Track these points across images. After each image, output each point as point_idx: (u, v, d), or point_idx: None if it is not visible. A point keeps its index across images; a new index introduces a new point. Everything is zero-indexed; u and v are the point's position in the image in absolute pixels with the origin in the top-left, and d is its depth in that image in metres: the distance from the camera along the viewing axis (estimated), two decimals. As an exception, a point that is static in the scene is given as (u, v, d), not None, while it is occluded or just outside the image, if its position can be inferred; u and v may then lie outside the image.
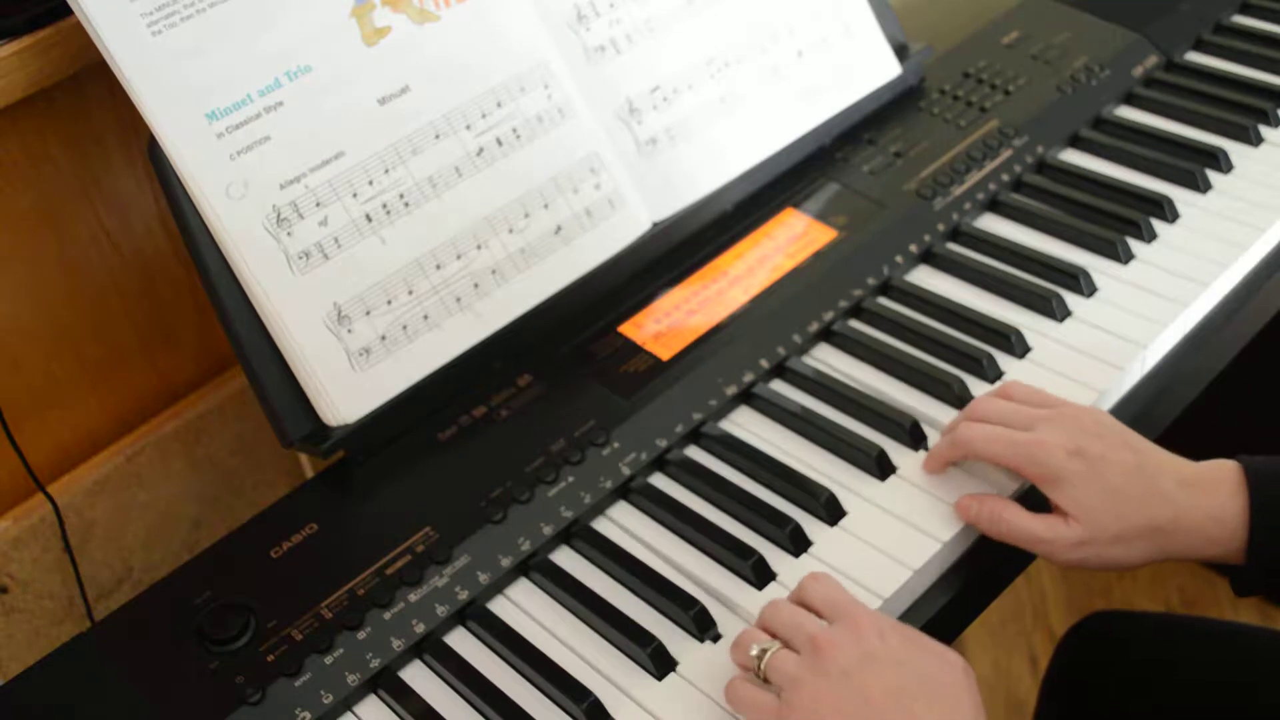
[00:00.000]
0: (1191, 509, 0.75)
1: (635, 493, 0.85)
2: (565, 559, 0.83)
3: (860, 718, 0.65)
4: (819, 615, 0.72)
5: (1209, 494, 0.76)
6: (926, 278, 1.00)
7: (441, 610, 0.78)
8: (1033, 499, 0.81)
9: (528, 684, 0.76)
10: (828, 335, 0.96)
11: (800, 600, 0.74)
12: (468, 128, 0.91)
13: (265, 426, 0.86)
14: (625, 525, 0.84)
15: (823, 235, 1.01)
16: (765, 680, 0.70)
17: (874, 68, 1.11)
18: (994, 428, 0.80)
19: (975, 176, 1.06)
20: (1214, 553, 0.76)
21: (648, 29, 1.00)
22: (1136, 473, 0.76)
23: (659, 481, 0.87)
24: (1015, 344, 0.92)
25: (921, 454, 0.85)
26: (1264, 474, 0.76)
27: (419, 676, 0.77)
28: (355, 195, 0.86)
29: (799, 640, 0.70)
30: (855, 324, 0.96)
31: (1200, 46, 1.21)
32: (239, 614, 0.77)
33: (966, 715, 0.66)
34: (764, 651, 0.70)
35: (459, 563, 0.80)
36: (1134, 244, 0.99)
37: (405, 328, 0.88)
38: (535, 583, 0.81)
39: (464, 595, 0.79)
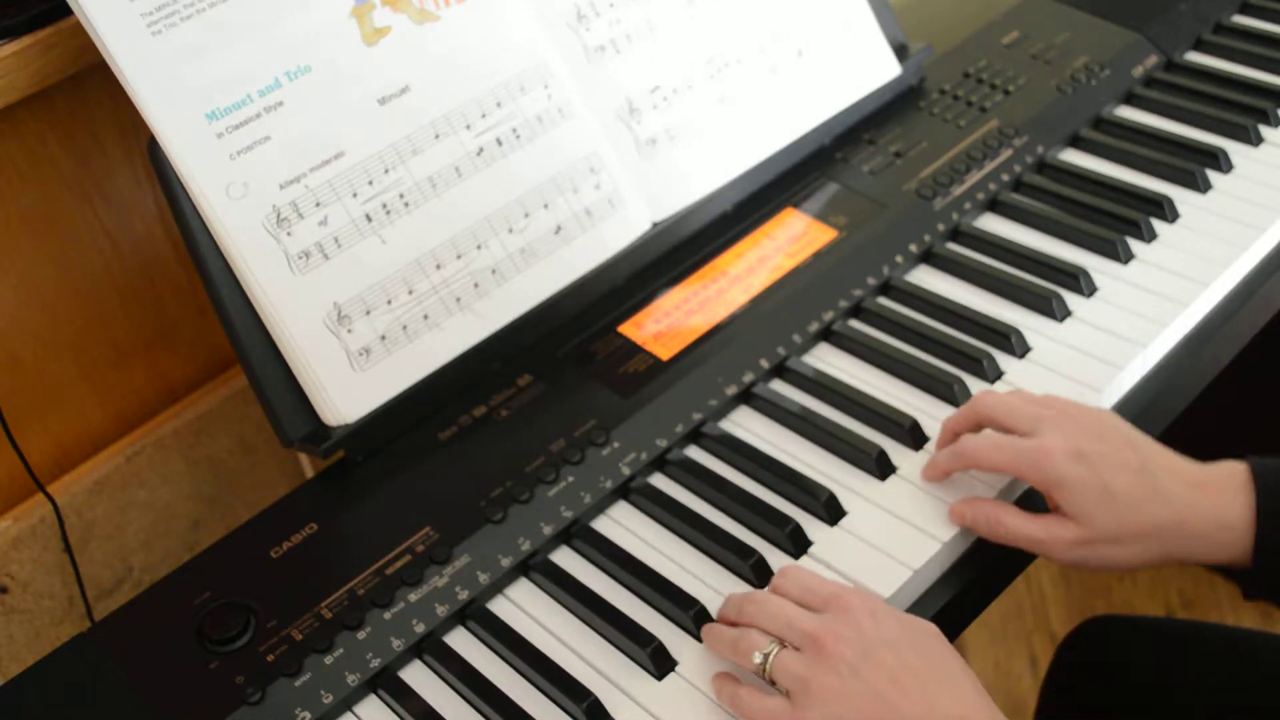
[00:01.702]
0: (1195, 511, 0.75)
1: (635, 493, 0.85)
2: (565, 559, 0.83)
3: (876, 709, 0.65)
4: (803, 606, 0.72)
5: (1214, 495, 0.75)
6: (926, 278, 1.00)
7: (441, 610, 0.78)
8: (1034, 498, 0.81)
9: (528, 684, 0.76)
10: (828, 335, 0.96)
11: (778, 594, 0.74)
12: (468, 127, 0.91)
13: (265, 426, 0.86)
14: (625, 525, 0.84)
15: (823, 235, 1.01)
16: (770, 682, 0.70)
17: (874, 67, 1.11)
18: (996, 437, 0.80)
19: (975, 176, 1.06)
20: (1218, 556, 0.76)
21: (648, 29, 1.00)
22: (1138, 474, 0.76)
23: (659, 481, 0.87)
24: (1015, 344, 0.92)
25: (922, 454, 0.85)
26: (1273, 475, 0.75)
27: (419, 676, 0.77)
28: (355, 195, 0.86)
29: (796, 638, 0.70)
30: (855, 324, 0.96)
31: (1200, 46, 1.21)
32: (239, 614, 0.77)
33: (960, 674, 0.67)
34: (767, 656, 0.70)
35: (459, 563, 0.80)
36: (1134, 244, 0.99)
37: (405, 328, 0.88)
38: (535, 583, 0.81)
39: (464, 595, 0.79)
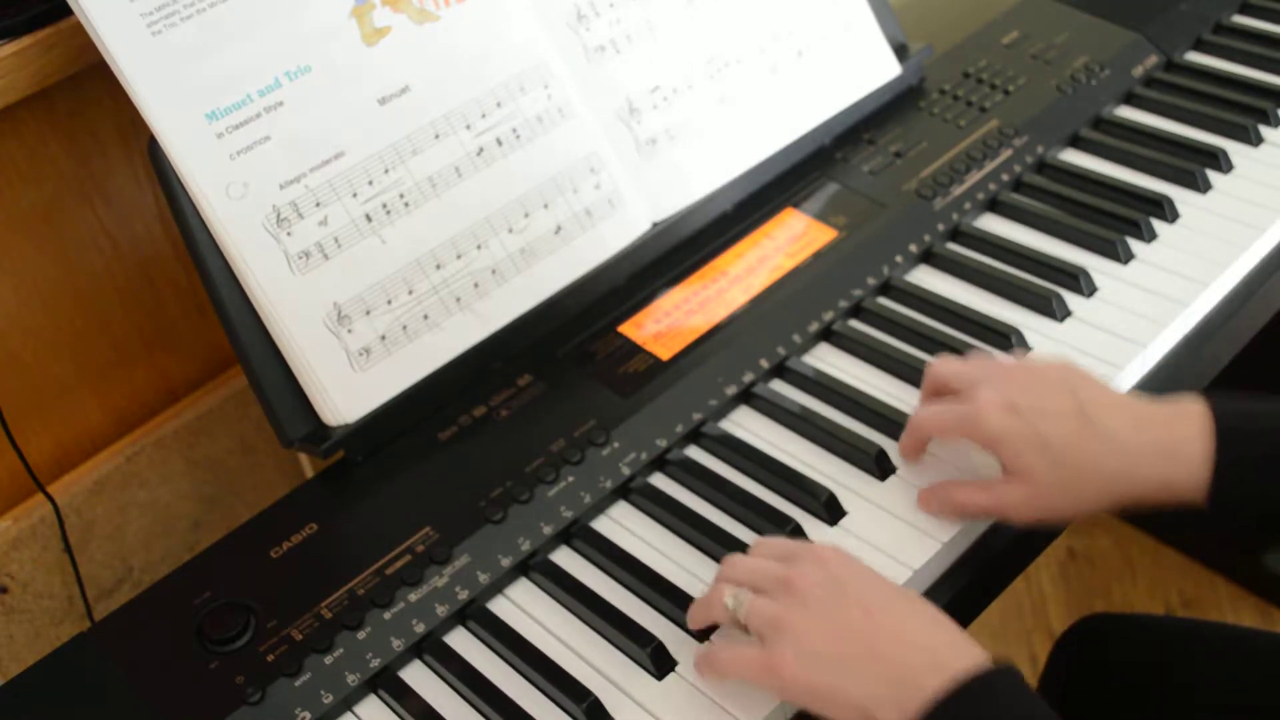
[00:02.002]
0: (1145, 450, 0.74)
1: (635, 493, 0.85)
2: (565, 559, 0.83)
3: (849, 637, 0.66)
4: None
5: (1167, 431, 0.74)
6: (926, 278, 1.00)
7: (441, 610, 0.78)
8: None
9: (528, 684, 0.76)
10: (828, 335, 0.96)
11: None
12: (467, 127, 0.91)
13: (265, 426, 0.86)
14: (625, 525, 0.84)
15: (823, 235, 1.01)
16: (744, 630, 0.70)
17: (874, 67, 1.11)
18: (939, 405, 0.80)
19: (975, 176, 1.06)
20: (1173, 495, 0.74)
21: (648, 29, 1.00)
22: (1075, 417, 0.75)
23: (659, 481, 0.87)
24: (1015, 344, 0.92)
25: (923, 455, 0.85)
26: (1231, 410, 0.75)
27: (419, 676, 0.77)
28: (355, 195, 0.86)
29: (769, 583, 0.70)
30: (855, 324, 0.96)
31: (1200, 46, 1.21)
32: (239, 614, 0.77)
33: (940, 614, 0.68)
34: (738, 600, 0.70)
35: (459, 563, 0.80)
36: (1134, 244, 0.99)
37: (405, 328, 0.88)
38: (535, 583, 0.81)
39: (464, 595, 0.79)
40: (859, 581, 0.69)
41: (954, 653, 0.65)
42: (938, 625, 0.67)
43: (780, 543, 0.75)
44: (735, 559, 0.74)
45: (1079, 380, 0.78)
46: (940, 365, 0.83)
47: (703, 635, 0.76)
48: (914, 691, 0.63)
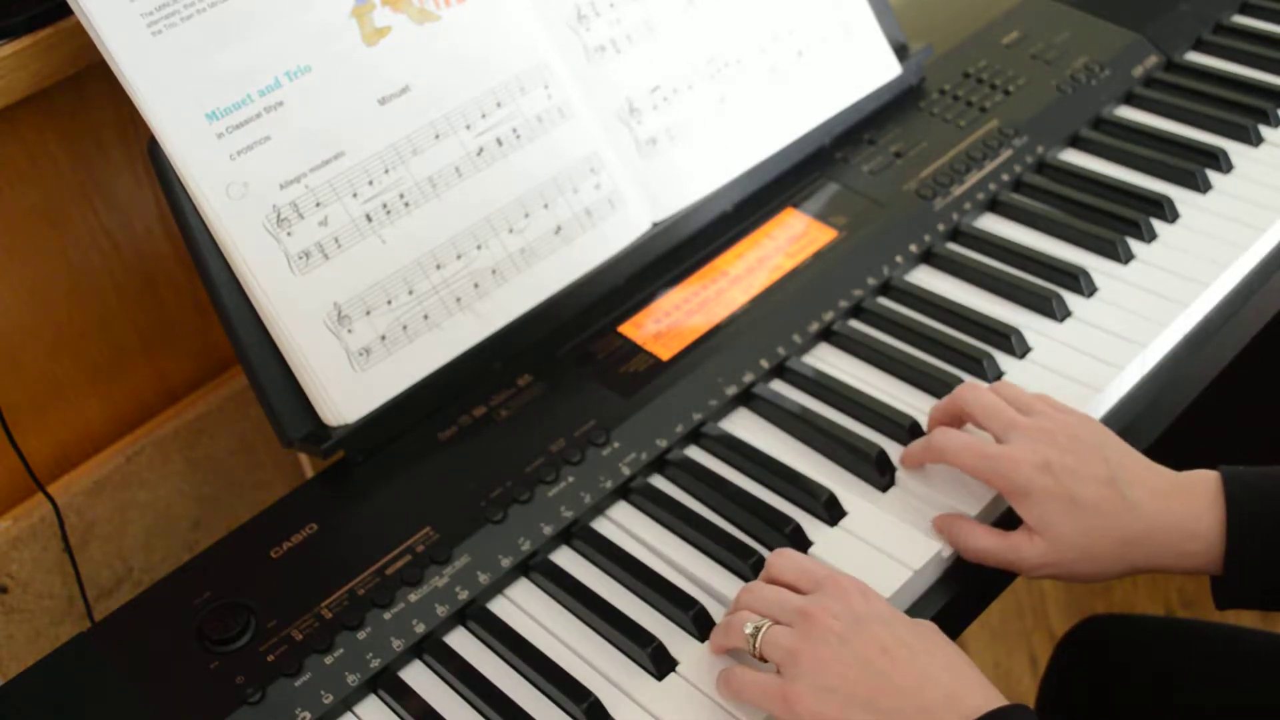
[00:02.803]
0: (1163, 521, 0.75)
1: (635, 493, 0.85)
2: (565, 559, 0.83)
3: (866, 676, 0.66)
4: (796, 590, 0.73)
5: (1184, 504, 0.75)
6: (926, 278, 1.00)
7: (441, 610, 0.78)
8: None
9: (528, 684, 0.76)
10: (828, 335, 0.96)
11: (772, 579, 0.75)
12: (468, 127, 0.91)
13: (265, 426, 0.86)
14: (625, 525, 0.84)
15: (823, 235, 1.01)
16: (761, 659, 0.70)
17: (874, 67, 1.11)
18: (967, 438, 0.79)
19: (975, 176, 1.06)
20: (1188, 565, 0.75)
21: (648, 29, 1.00)
22: (1107, 485, 0.75)
23: (659, 482, 0.87)
24: (1015, 344, 0.92)
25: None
26: (1243, 484, 0.75)
27: (419, 676, 0.77)
28: (355, 195, 0.86)
29: (787, 614, 0.70)
30: (855, 324, 0.96)
31: (1200, 46, 1.21)
32: (239, 614, 0.77)
33: (959, 655, 0.68)
34: (758, 630, 0.70)
35: (459, 563, 0.80)
36: (1134, 244, 0.99)
37: (405, 328, 0.88)
38: (535, 583, 0.81)
39: (464, 595, 0.79)
40: (877, 619, 0.69)
41: (969, 692, 0.66)
42: (954, 664, 0.67)
43: (800, 564, 0.74)
44: (756, 586, 0.74)
45: (1111, 445, 0.78)
46: (972, 395, 0.81)
47: (704, 638, 0.76)
48: None
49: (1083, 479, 0.75)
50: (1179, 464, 0.79)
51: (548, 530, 0.82)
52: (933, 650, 0.68)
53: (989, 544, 0.77)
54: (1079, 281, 0.96)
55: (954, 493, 0.82)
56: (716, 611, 0.78)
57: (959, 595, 0.80)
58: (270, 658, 0.75)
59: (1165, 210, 1.02)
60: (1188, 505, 0.75)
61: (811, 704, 0.66)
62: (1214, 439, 1.05)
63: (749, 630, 0.71)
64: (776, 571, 0.75)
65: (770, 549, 0.80)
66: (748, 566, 0.79)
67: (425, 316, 0.88)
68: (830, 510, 0.82)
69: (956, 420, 0.83)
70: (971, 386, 0.83)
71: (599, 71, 0.97)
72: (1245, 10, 1.25)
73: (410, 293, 0.88)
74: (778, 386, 0.92)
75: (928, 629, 0.70)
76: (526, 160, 0.93)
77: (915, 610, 0.79)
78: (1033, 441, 0.77)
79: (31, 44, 0.83)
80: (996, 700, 0.66)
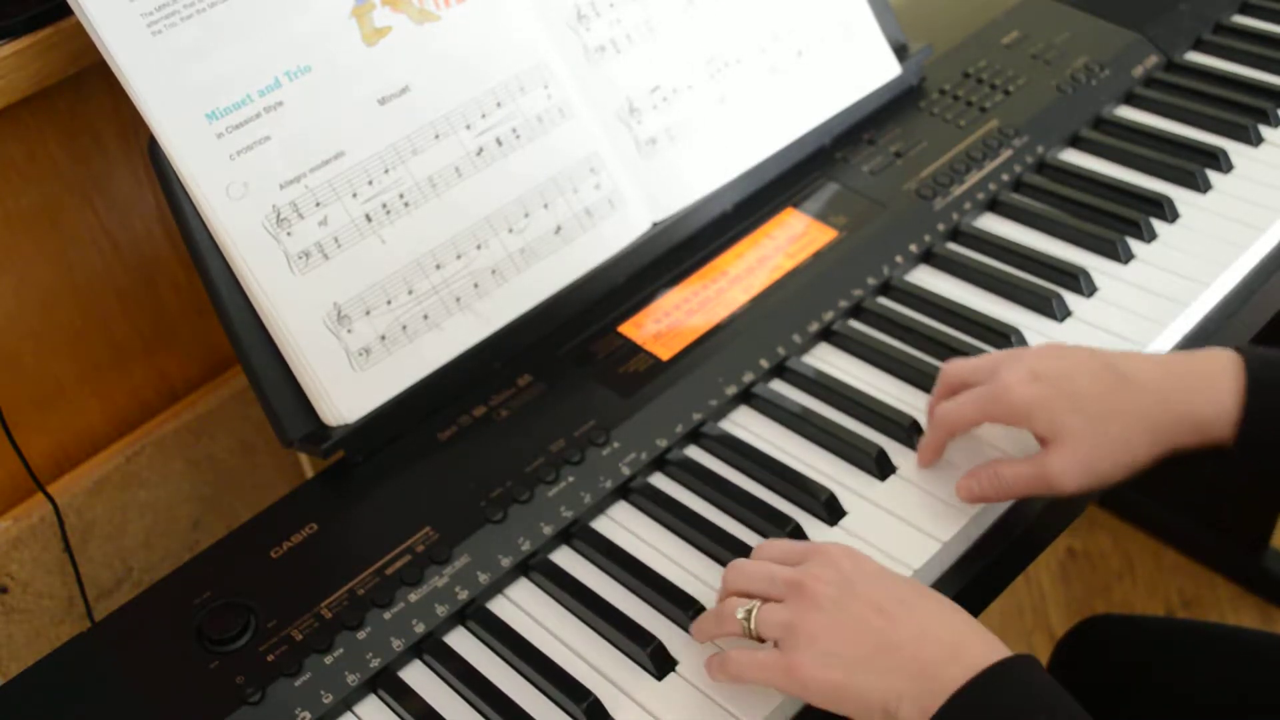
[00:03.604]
0: (1176, 388, 0.75)
1: (635, 493, 0.85)
2: (565, 559, 0.83)
3: (866, 636, 0.66)
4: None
5: (1197, 371, 0.75)
6: (926, 278, 1.00)
7: (441, 610, 0.78)
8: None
9: (528, 684, 0.76)
10: (828, 335, 0.96)
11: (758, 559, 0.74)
12: (467, 127, 0.91)
13: (265, 426, 0.86)
14: (625, 525, 0.84)
15: (823, 235, 1.01)
16: (759, 639, 0.70)
17: (874, 67, 1.11)
18: (959, 396, 0.80)
19: (975, 176, 1.06)
20: (1209, 433, 0.75)
21: (648, 29, 1.00)
22: (1104, 372, 0.75)
23: (659, 481, 0.87)
24: (1015, 344, 0.92)
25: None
26: (1257, 352, 0.75)
27: (419, 676, 0.77)
28: (355, 195, 0.86)
29: (778, 589, 0.70)
30: (855, 324, 0.96)
31: (1200, 46, 1.21)
32: (239, 614, 0.77)
33: (952, 606, 0.68)
34: (750, 611, 0.70)
35: (459, 563, 0.80)
36: (1134, 244, 0.99)
37: (405, 328, 0.88)
38: (535, 583, 0.81)
39: (464, 595, 0.79)
40: (869, 579, 0.69)
41: (970, 643, 0.65)
42: (952, 617, 0.67)
43: (784, 545, 0.74)
44: (741, 564, 0.74)
45: (1099, 349, 0.78)
46: (953, 365, 0.83)
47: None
48: (933, 684, 0.63)
49: (1075, 374, 0.75)
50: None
51: (548, 530, 0.82)
52: (930, 604, 0.68)
53: (1019, 470, 0.77)
54: (1079, 281, 0.96)
55: (953, 492, 0.82)
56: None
57: (959, 595, 0.80)
58: (270, 658, 0.75)
59: (1165, 210, 1.02)
60: (1201, 369, 0.75)
61: (816, 672, 0.66)
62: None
63: (741, 615, 0.70)
64: (762, 553, 0.75)
65: (770, 549, 0.81)
66: (748, 566, 0.79)
67: (425, 316, 0.88)
68: (830, 510, 0.82)
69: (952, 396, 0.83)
70: (952, 360, 0.84)
71: (599, 71, 0.97)
72: (1245, 10, 1.25)
73: (410, 293, 0.88)
74: (778, 386, 0.92)
75: (919, 585, 0.70)
76: (526, 160, 0.93)
77: (915, 610, 0.79)
78: (1019, 362, 0.78)
79: (31, 44, 0.83)
80: (999, 649, 0.65)
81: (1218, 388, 0.74)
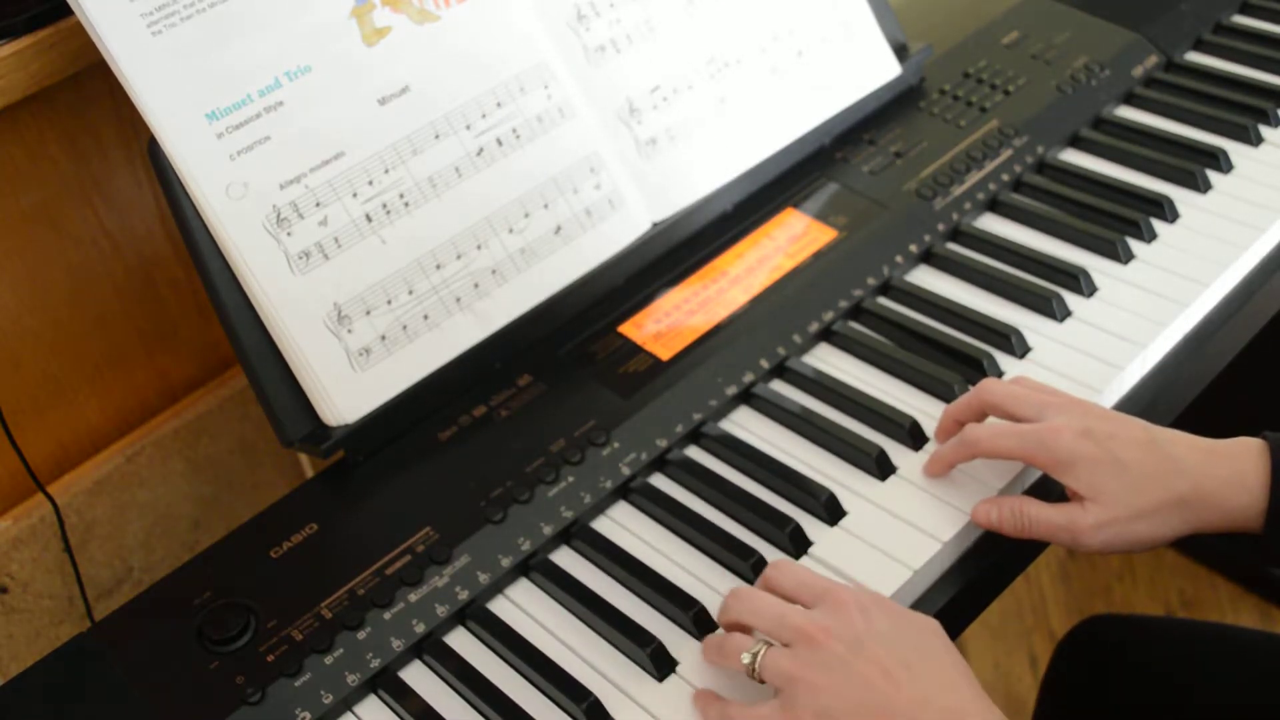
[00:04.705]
0: (1210, 475, 0.75)
1: (635, 493, 0.85)
2: (565, 559, 0.83)
3: (868, 699, 0.65)
4: (792, 601, 0.72)
5: (1229, 460, 0.76)
6: (926, 278, 1.00)
7: (441, 610, 0.78)
8: (1045, 489, 0.81)
9: (528, 684, 0.76)
10: (828, 335, 0.96)
11: (769, 589, 0.74)
12: (468, 128, 0.91)
13: (265, 426, 0.86)
14: (625, 525, 0.84)
15: (823, 235, 1.01)
16: (760, 681, 0.70)
17: (874, 67, 1.11)
18: (1001, 423, 0.80)
19: (975, 176, 1.06)
20: (1236, 521, 0.76)
21: (648, 29, 1.00)
22: (1148, 445, 0.76)
23: (659, 481, 0.87)
24: (1015, 344, 0.92)
25: (922, 454, 0.85)
26: None
27: (419, 676, 0.77)
28: (355, 195, 0.86)
29: (786, 634, 0.69)
30: (855, 324, 0.96)
31: (1200, 46, 1.21)
32: (239, 614, 0.77)
33: (955, 670, 0.67)
34: (755, 655, 0.69)
35: (459, 563, 0.80)
36: (1134, 244, 0.99)
37: (405, 328, 0.88)
38: (535, 583, 0.81)
39: (464, 595, 0.79)
40: (879, 639, 0.68)
41: (969, 713, 0.65)
42: (957, 682, 0.67)
43: (798, 577, 0.73)
44: (750, 595, 0.73)
45: (1141, 420, 0.79)
46: (993, 388, 0.82)
47: (703, 632, 0.76)
48: None
49: (1124, 442, 0.76)
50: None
51: (548, 530, 0.82)
52: (934, 671, 0.67)
53: (1050, 515, 0.77)
54: (1079, 281, 0.96)
55: (953, 492, 0.82)
56: (717, 611, 0.77)
57: (959, 594, 0.80)
58: (270, 658, 0.75)
59: (1165, 210, 1.02)
60: (1232, 462, 0.76)
61: None
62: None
63: (746, 660, 0.69)
64: (775, 585, 0.74)
65: (770, 549, 0.81)
66: (748, 566, 0.79)
67: (425, 316, 0.88)
68: (830, 510, 0.82)
69: (979, 416, 0.83)
70: (994, 380, 0.83)
71: (599, 71, 0.97)
72: (1245, 10, 1.25)
73: (410, 293, 0.88)
74: (778, 386, 0.92)
75: (929, 634, 0.69)
76: (526, 160, 0.93)
77: (915, 610, 0.78)
78: (1069, 413, 0.78)
79: (31, 44, 0.83)
80: (998, 718, 0.65)
81: (1247, 478, 0.75)
